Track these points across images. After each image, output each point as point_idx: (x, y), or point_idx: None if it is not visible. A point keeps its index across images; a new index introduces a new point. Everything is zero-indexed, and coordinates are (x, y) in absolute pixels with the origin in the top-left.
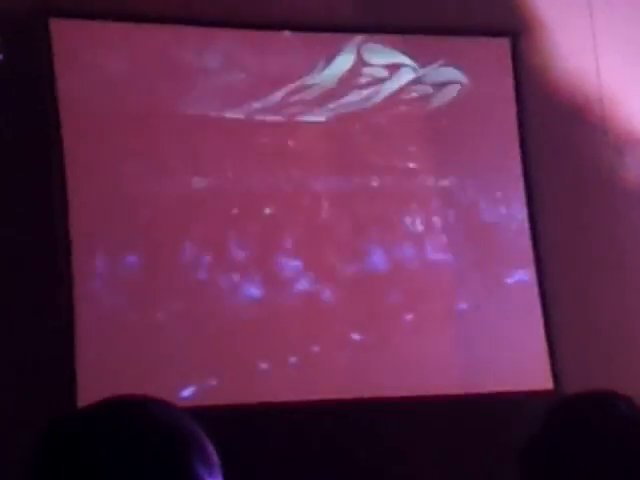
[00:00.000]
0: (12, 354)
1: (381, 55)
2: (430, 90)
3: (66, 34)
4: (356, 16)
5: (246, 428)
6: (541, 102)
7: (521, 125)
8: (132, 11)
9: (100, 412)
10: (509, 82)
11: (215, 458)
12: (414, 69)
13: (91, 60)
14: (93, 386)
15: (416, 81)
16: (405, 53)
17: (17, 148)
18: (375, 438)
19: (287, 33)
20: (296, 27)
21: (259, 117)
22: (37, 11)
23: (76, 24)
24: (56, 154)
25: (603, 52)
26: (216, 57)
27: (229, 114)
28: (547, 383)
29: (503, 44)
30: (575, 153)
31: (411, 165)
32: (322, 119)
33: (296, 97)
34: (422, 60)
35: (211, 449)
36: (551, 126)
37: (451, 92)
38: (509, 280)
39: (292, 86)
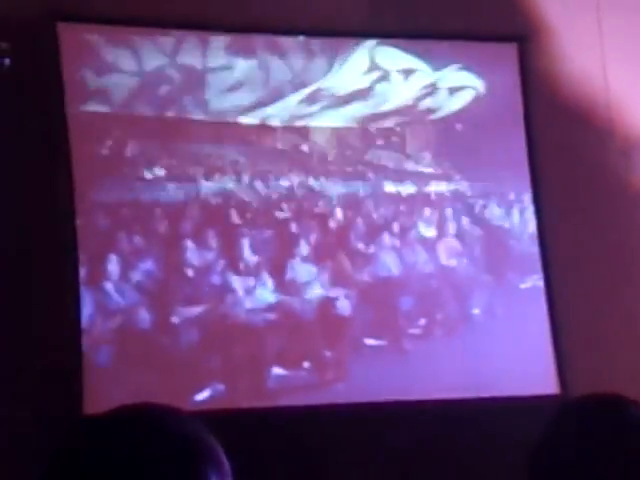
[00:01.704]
0: (26, 358)
1: (395, 59)
2: (444, 94)
3: (74, 38)
4: (369, 20)
5: (259, 432)
6: (549, 106)
7: (529, 129)
8: (144, 15)
9: (114, 424)
10: (517, 86)
11: (227, 467)
12: (428, 73)
13: (99, 64)
14: (107, 390)
15: (430, 85)
16: (418, 57)
17: (24, 151)
18: (387, 441)
19: (301, 38)
20: (310, 32)
21: (273, 122)
22: (44, 15)
23: (84, 28)
24: (64, 158)
25: (610, 56)
26: (229, 61)
27: (243, 119)
28: (555, 388)
29: (511, 49)
30: (582, 156)
31: (425, 170)
32: (336, 124)
33: (310, 102)
34: (436, 64)
35: (223, 457)
36: (559, 130)
37: (465, 97)
38: (523, 286)
39: (306, 91)
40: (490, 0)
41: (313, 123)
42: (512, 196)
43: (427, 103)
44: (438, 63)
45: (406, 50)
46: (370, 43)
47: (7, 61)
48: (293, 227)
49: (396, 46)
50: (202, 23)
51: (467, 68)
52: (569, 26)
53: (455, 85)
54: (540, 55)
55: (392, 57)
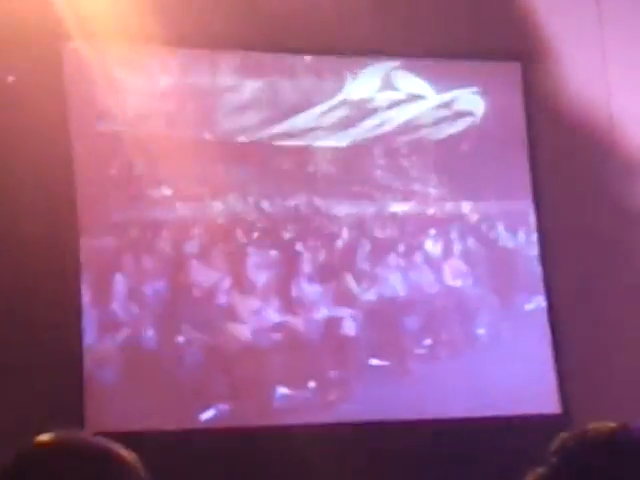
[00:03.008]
0: (30, 375)
1: (400, 81)
2: (449, 116)
3: (80, 57)
4: (374, 41)
5: (263, 450)
6: (552, 127)
7: (531, 149)
8: (150, 34)
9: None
10: (521, 106)
11: None
12: (433, 95)
13: (108, 84)
14: (113, 409)
15: (435, 107)
16: (424, 79)
17: (27, 170)
18: (391, 459)
19: (307, 58)
20: (316, 52)
21: (279, 142)
22: (51, 34)
23: (91, 47)
24: (68, 177)
25: (613, 77)
26: (238, 82)
27: (249, 138)
28: (556, 407)
29: (515, 69)
30: (585, 176)
31: (430, 190)
32: (342, 144)
33: (316, 122)
34: (441, 86)
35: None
36: (562, 150)
37: (470, 118)
38: (528, 307)
39: (312, 111)
40: (493, 20)
41: (319, 143)
42: (518, 217)
43: (432, 124)
44: (443, 84)
45: (412, 71)
46: (376, 64)
47: (10, 79)
48: (299, 247)
49: (402, 68)
50: (208, 43)
51: (472, 89)
52: (572, 46)
53: (460, 106)
54: (543, 75)
55: (398, 78)
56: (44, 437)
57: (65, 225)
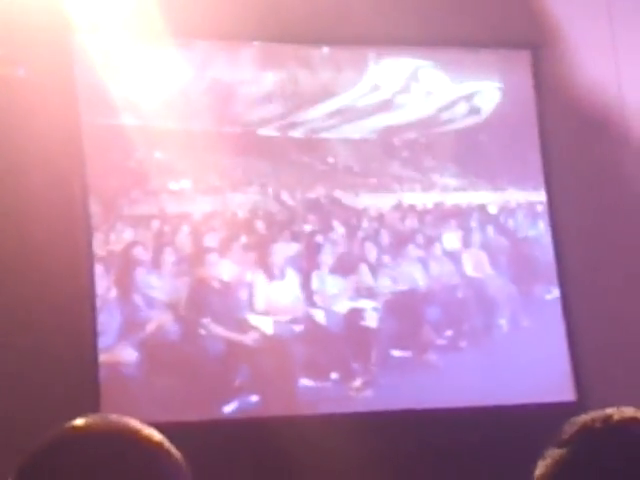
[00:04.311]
0: (49, 366)
1: (416, 72)
2: (464, 105)
3: (90, 50)
4: (387, 30)
5: (286, 440)
6: (563, 114)
7: (543, 137)
8: (165, 27)
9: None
10: (532, 94)
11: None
12: (448, 85)
13: (127, 77)
14: (135, 403)
15: (451, 96)
16: (439, 69)
17: (40, 164)
18: (413, 448)
19: (326, 49)
20: (333, 43)
21: (299, 134)
22: (61, 27)
23: (100, 40)
24: (79, 172)
25: (624, 63)
26: (257, 74)
27: (269, 131)
28: (571, 395)
29: (525, 57)
30: (597, 164)
31: (449, 181)
32: (361, 136)
33: (336, 113)
34: (456, 75)
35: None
36: (573, 138)
37: (485, 107)
38: (548, 297)
39: (331, 102)
40: (504, 8)
41: (339, 135)
42: (538, 207)
43: (448, 114)
44: (458, 74)
45: (427, 62)
46: (392, 55)
47: (21, 72)
48: (319, 239)
49: (418, 58)
50: (222, 35)
51: (487, 78)
52: (583, 33)
53: (475, 95)
54: (555, 62)
55: (414, 69)
56: (79, 421)
57: (77, 219)
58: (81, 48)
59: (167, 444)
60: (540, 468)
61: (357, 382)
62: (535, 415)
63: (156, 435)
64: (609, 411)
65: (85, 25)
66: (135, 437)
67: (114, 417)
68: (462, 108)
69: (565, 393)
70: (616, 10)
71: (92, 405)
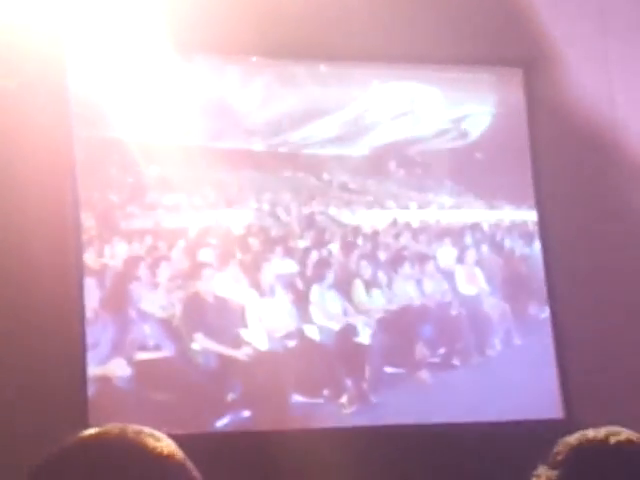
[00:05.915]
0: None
1: (412, 90)
2: (460, 124)
3: (83, 62)
4: (380, 47)
5: (278, 455)
6: (556, 132)
7: (535, 155)
8: (160, 41)
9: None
10: (525, 112)
11: None
12: (444, 104)
13: (121, 90)
14: (126, 418)
15: (446, 116)
16: (434, 87)
17: (33, 174)
18: (404, 465)
19: (323, 66)
20: (329, 60)
21: (294, 150)
22: (53, 39)
23: (93, 52)
24: (71, 186)
25: (617, 81)
26: (251, 91)
27: (264, 146)
28: (559, 412)
29: (518, 74)
30: (589, 180)
31: (444, 199)
32: (357, 153)
33: (331, 130)
34: (450, 94)
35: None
36: (566, 156)
37: (480, 125)
38: (542, 315)
39: (327, 119)
40: (497, 26)
41: (334, 152)
42: (532, 225)
43: (444, 133)
44: (451, 93)
45: (421, 80)
46: (388, 74)
47: (13, 84)
48: (314, 255)
49: (412, 76)
50: (223, 49)
51: (478, 96)
52: (576, 51)
53: (470, 114)
54: (547, 80)
55: (409, 88)
56: (89, 432)
57: (69, 232)
58: (74, 61)
59: (179, 456)
60: None
61: (349, 398)
62: (524, 432)
63: (169, 448)
64: (603, 432)
65: (79, 38)
66: (145, 448)
67: (131, 428)
68: (458, 128)
69: (554, 410)
70: (610, 28)
71: (81, 419)
